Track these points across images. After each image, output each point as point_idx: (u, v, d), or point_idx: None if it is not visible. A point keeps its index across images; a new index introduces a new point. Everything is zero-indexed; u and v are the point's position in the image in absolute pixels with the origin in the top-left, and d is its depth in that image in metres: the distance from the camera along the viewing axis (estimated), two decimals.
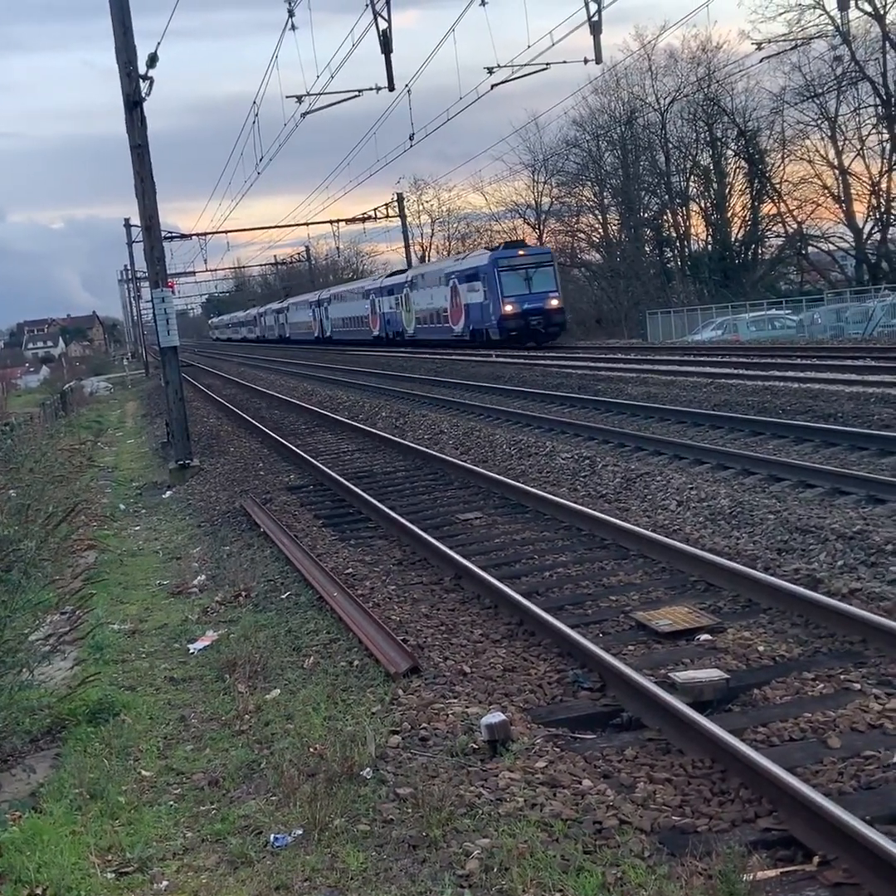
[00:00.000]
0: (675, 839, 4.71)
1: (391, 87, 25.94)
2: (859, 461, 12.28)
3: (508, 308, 41.54)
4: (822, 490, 11.06)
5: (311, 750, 5.87)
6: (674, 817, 4.92)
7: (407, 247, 71.85)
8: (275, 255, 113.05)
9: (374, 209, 68.98)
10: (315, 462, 16.74)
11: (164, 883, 4.80)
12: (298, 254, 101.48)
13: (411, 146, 35.98)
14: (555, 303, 42.15)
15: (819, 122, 54.08)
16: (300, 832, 5.07)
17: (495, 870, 4.46)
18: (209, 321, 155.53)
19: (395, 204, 69.02)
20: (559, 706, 6.42)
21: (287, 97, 32.10)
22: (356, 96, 32.03)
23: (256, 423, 24.20)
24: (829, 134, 53.92)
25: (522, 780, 5.22)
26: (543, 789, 5.14)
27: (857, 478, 11.03)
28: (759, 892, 4.13)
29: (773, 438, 14.37)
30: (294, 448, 18.83)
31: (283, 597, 9.48)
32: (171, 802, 5.70)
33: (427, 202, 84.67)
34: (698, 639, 7.24)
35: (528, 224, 72.33)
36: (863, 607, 7.20)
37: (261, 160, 36.83)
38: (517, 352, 38.17)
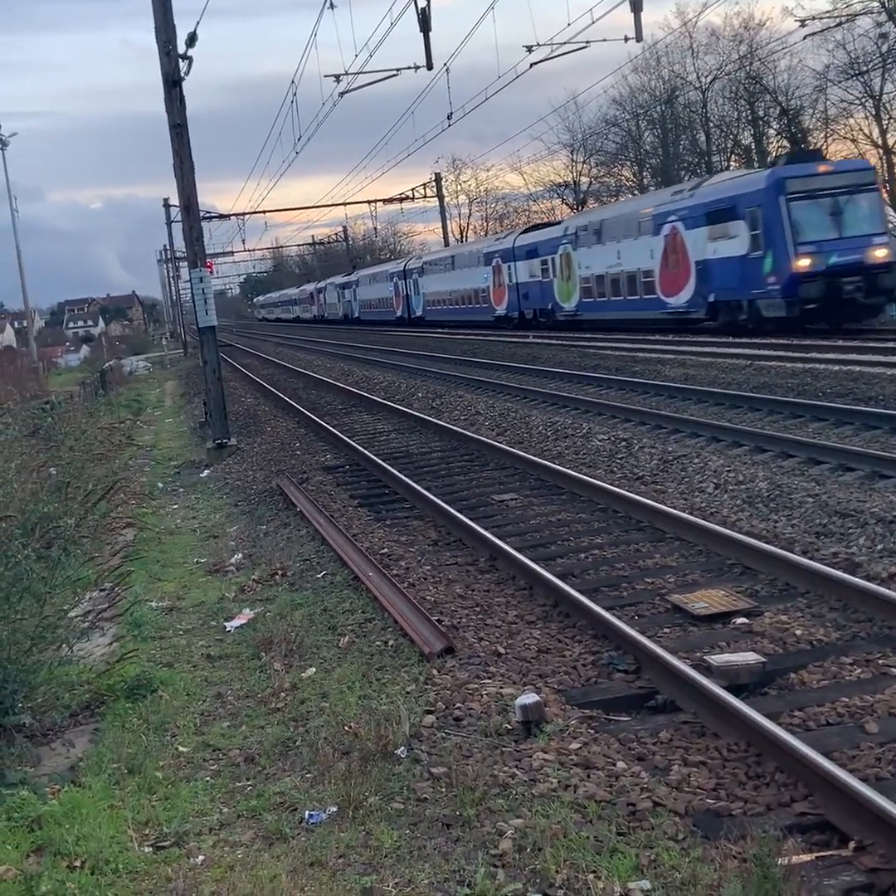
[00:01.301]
0: (709, 822, 4.70)
1: (429, 66, 25.96)
2: None
3: (804, 262, 24.21)
4: (861, 473, 10.93)
5: (346, 728, 5.90)
6: (708, 800, 4.91)
7: (444, 227, 71.72)
8: (312, 236, 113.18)
9: (412, 189, 68.81)
10: (351, 442, 16.79)
11: (200, 857, 4.85)
12: (336, 234, 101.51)
13: (449, 125, 35.73)
14: (881, 253, 24.60)
15: (863, 100, 53.14)
16: (335, 809, 5.10)
17: (528, 850, 4.47)
18: (254, 300, 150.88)
19: (433, 184, 68.82)
20: (594, 688, 6.41)
21: (325, 76, 32.09)
22: (394, 75, 31.99)
23: (293, 403, 24.30)
24: (874, 113, 53.00)
25: (556, 762, 5.22)
26: (577, 771, 5.14)
27: None
28: (794, 876, 4.10)
29: (812, 421, 14.22)
30: (330, 428, 18.88)
31: (319, 576, 9.52)
32: (208, 778, 5.75)
33: (464, 182, 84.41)
34: (735, 622, 7.20)
35: (566, 204, 71.86)
36: None
37: (299, 140, 36.79)
38: (555, 331, 37.60)
